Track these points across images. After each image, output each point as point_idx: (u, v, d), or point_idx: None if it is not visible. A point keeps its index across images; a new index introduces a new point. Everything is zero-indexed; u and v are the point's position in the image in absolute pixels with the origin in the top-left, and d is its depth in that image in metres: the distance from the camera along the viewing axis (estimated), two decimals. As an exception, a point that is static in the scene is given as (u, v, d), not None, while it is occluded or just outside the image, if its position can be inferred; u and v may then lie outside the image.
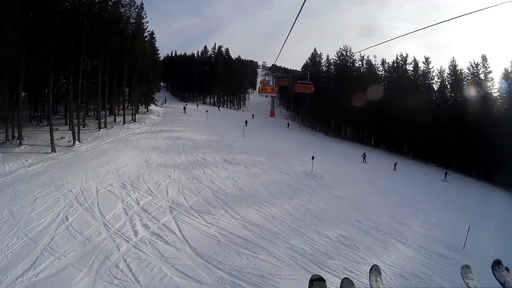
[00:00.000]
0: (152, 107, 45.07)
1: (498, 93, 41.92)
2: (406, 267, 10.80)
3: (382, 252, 11.64)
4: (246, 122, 37.10)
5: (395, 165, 31.68)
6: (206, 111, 44.00)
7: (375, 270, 2.59)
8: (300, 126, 58.75)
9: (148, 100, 42.60)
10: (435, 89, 47.87)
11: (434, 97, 47.14)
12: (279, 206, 14.46)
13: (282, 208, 14.24)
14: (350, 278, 2.52)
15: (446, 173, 33.33)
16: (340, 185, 20.00)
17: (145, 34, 41.48)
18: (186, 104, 53.41)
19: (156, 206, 13.01)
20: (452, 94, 46.07)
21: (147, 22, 39.65)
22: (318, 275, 2.04)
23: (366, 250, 11.43)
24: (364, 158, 32.16)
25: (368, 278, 2.60)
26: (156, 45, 49.07)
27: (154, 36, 47.39)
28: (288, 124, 54.94)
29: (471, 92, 42.59)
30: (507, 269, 2.50)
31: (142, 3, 38.41)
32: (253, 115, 52.68)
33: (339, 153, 35.34)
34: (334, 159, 29.31)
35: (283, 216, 13.35)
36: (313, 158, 21.60)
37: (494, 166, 36.72)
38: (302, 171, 21.16)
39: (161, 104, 51.71)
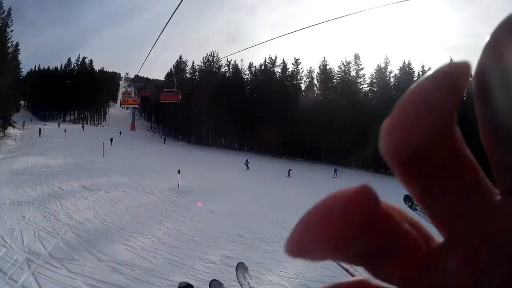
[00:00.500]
0: (10, 130, 38.64)
1: (368, 88, 47.23)
2: (306, 274, 9.95)
3: (275, 264, 10.62)
4: (111, 140, 34.20)
5: (289, 171, 30.22)
6: (65, 130, 39.63)
7: (241, 267, 3.29)
8: (161, 137, 57.03)
9: (5, 122, 36.37)
10: (303, 88, 51.24)
11: (302, 96, 50.23)
12: (149, 234, 12.58)
13: (153, 237, 12.41)
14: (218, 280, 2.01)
15: (335, 170, 33.09)
16: (212, 197, 19.19)
17: (8, 45, 36.22)
18: (44, 124, 47.07)
19: (11, 261, 9.64)
20: (320, 92, 49.80)
21: (12, 31, 34.96)
22: (186, 282, 2.02)
23: (258, 266, 10.22)
24: (247, 165, 31.34)
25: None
26: (20, 58, 44.07)
27: (18, 48, 41.84)
28: (164, 139, 53.15)
29: (340, 88, 46.91)
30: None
31: (10, 9, 33.23)
32: (120, 132, 49.56)
33: (205, 162, 34.80)
34: (201, 169, 28.67)
35: (156, 247, 11.48)
36: (179, 172, 20.42)
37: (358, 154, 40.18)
38: (168, 188, 20.06)
39: (22, 126, 44.61)
